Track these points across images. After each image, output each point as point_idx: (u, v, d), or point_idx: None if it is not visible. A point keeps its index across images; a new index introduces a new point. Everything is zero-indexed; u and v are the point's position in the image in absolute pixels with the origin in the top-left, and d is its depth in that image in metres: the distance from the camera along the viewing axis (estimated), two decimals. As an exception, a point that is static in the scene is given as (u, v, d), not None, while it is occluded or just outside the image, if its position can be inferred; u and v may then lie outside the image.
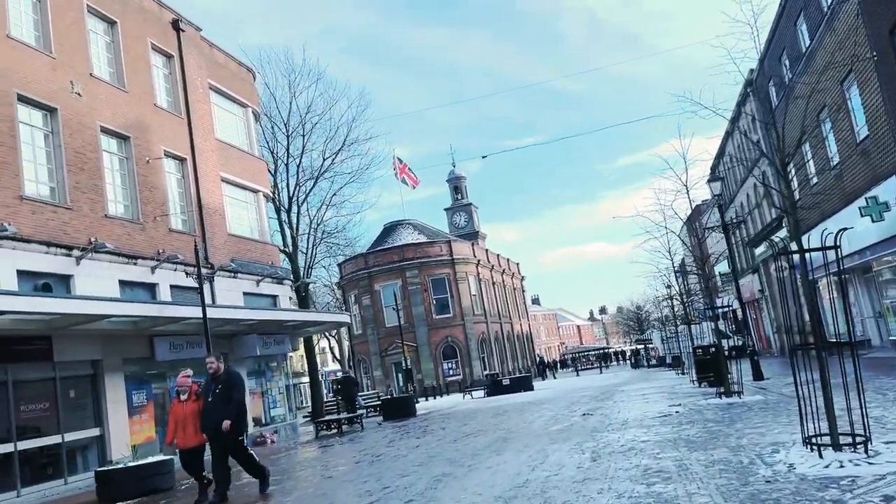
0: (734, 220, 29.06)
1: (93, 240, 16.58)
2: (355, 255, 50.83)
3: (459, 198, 74.63)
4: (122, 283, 17.66)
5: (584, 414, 15.05)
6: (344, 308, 52.61)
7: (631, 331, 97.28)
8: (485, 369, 49.84)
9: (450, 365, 49.66)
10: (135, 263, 18.13)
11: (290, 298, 26.75)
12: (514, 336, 62.41)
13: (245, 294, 23.05)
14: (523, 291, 73.72)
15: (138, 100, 19.68)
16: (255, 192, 25.68)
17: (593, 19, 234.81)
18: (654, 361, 51.11)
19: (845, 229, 6.37)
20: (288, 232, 32.18)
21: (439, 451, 11.49)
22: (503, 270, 62.95)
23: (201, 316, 16.25)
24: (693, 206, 16.37)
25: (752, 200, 34.66)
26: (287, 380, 25.19)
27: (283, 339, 23.83)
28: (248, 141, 26.04)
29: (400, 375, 47.30)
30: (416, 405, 34.22)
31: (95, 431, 15.98)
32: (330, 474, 11.03)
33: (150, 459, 12.78)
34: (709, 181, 18.21)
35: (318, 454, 15.82)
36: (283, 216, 32.32)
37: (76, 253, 16.11)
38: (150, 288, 18.82)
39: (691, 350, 21.25)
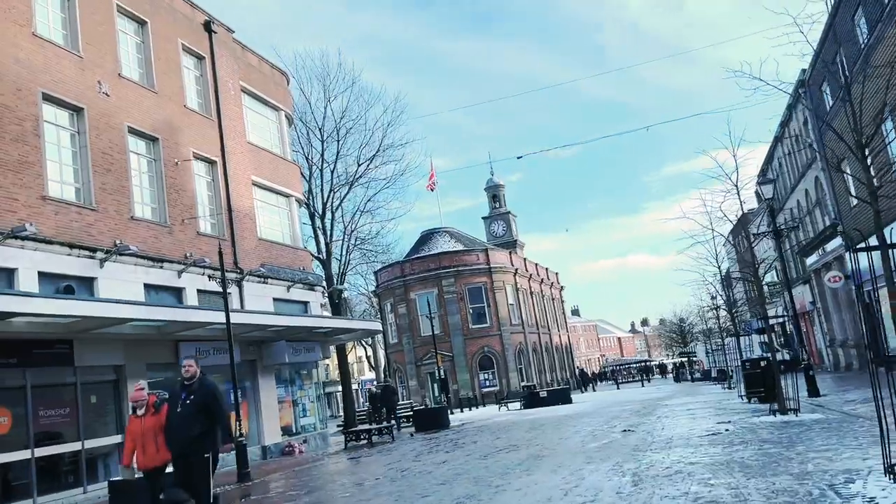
0: (787, 226, 27.48)
1: (118, 242, 16.22)
2: (391, 263, 50.28)
3: (497, 206, 73.65)
4: (148, 287, 17.28)
5: (624, 430, 14.06)
6: (379, 316, 52.13)
7: (674, 343, 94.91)
8: (522, 381, 48.71)
9: (486, 376, 48.67)
10: (161, 267, 17.75)
11: (322, 305, 26.24)
12: (553, 347, 61.11)
13: (275, 300, 22.58)
14: (562, 302, 72.29)
15: (168, 101, 19.38)
16: (288, 196, 25.26)
17: (635, 30, 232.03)
18: (698, 375, 49.35)
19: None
20: (322, 238, 31.74)
21: (467, 468, 10.68)
22: (542, 280, 61.77)
23: (225, 322, 15.80)
24: (742, 211, 15.28)
25: (804, 207, 33.07)
26: (318, 388, 24.63)
27: (314, 347, 23.28)
28: (280, 145, 25.67)
29: (435, 385, 46.52)
30: (452, 416, 33.45)
31: (117, 438, 15.49)
32: (348, 492, 10.30)
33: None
34: (759, 183, 17.07)
35: (343, 467, 15.12)
36: (317, 222, 31.90)
37: (100, 255, 15.75)
38: (177, 292, 18.42)
39: (739, 363, 20.06)
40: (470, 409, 38.90)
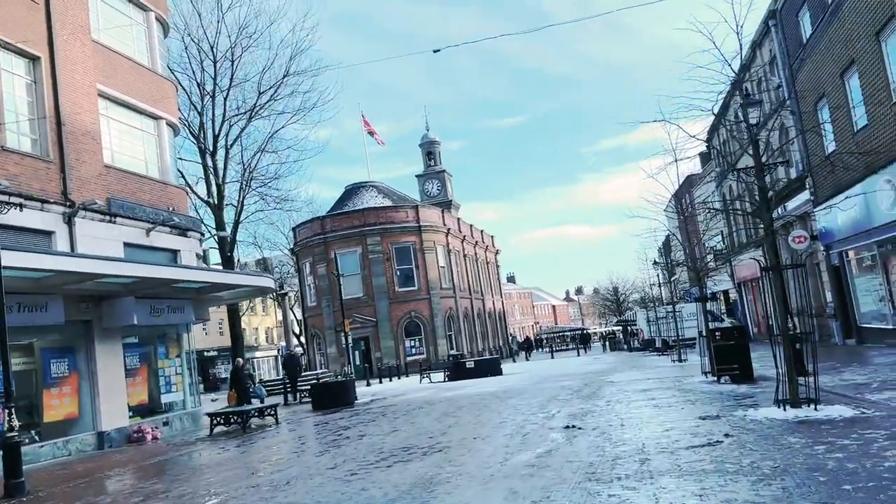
0: (773, 161, 23.26)
1: None
2: (311, 218, 45.39)
3: (432, 164, 68.89)
4: None
5: (567, 426, 9.85)
6: (297, 277, 47.20)
7: (608, 311, 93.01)
8: (451, 348, 44.77)
9: (413, 343, 44.48)
10: (-71, 188, 12.62)
11: (199, 255, 21.24)
12: (486, 314, 57.33)
13: (127, 245, 17.60)
14: (497, 266, 68.50)
15: (-45, -39, 14.00)
16: (156, 118, 20.06)
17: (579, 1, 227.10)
18: (636, 344, 46.38)
19: None
20: (213, 179, 26.64)
21: (309, 504, 6.29)
22: (476, 242, 57.66)
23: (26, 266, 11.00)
24: (752, 92, 11.25)
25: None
26: (187, 357, 19.82)
27: (183, 306, 18.44)
28: (148, 53, 20.34)
29: (357, 353, 42.17)
30: (368, 387, 29.25)
31: None
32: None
33: None
34: (743, 105, 13.00)
35: (152, 481, 10.55)
36: (208, 160, 26.73)
37: None
38: (-39, 226, 13.33)
39: (704, 332, 16.29)
40: (391, 380, 34.71)
